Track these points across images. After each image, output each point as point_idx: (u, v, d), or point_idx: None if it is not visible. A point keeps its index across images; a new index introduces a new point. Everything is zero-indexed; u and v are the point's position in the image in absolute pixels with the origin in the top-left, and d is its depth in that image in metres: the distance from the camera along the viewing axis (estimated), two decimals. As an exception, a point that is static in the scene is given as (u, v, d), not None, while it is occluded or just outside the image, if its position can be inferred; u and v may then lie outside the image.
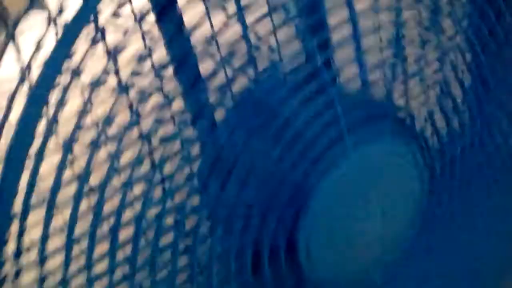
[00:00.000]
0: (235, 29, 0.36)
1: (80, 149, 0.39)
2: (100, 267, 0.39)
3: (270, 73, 0.39)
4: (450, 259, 0.60)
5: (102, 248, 0.39)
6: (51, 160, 0.35)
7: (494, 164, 0.57)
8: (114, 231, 0.36)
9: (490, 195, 0.58)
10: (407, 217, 0.51)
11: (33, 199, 0.33)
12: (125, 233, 0.40)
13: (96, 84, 0.33)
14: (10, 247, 0.34)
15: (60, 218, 0.39)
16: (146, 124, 0.40)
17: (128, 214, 0.37)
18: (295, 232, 0.44)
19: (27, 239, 0.34)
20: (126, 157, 0.36)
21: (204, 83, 0.36)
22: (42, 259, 0.35)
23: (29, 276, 0.37)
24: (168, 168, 0.37)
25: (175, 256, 0.40)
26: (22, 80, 0.32)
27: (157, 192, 0.38)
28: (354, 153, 0.44)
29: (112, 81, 0.34)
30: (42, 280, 0.36)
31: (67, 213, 0.37)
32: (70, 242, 0.35)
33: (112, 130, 0.34)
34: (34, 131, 0.31)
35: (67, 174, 0.34)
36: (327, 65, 0.42)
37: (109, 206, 0.37)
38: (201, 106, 0.36)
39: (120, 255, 0.38)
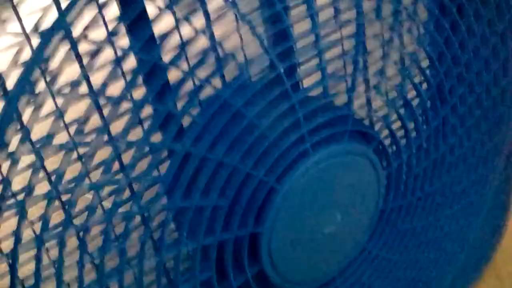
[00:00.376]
0: (203, 40, 0.37)
1: (52, 150, 0.40)
2: (69, 262, 0.40)
3: (236, 77, 0.41)
4: (409, 254, 0.62)
5: (72, 244, 0.40)
6: (23, 160, 0.36)
7: (447, 162, 0.59)
8: (84, 229, 0.37)
9: (444, 189, 0.61)
10: (366, 215, 0.53)
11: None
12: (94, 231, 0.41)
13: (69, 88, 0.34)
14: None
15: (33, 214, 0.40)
16: (116, 128, 0.41)
17: (98, 213, 0.38)
18: (257, 233, 0.46)
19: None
20: (97, 159, 0.37)
21: (172, 90, 0.38)
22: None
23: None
24: (136, 171, 0.38)
25: (141, 257, 0.42)
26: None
27: (126, 194, 0.40)
28: (314, 154, 0.46)
29: (83, 87, 0.35)
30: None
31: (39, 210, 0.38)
32: (41, 239, 0.36)
33: (84, 134, 0.35)
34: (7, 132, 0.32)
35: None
36: (292, 71, 0.44)
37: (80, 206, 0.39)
38: (169, 113, 0.38)
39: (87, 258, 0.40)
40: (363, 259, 0.58)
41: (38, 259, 0.38)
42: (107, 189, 0.41)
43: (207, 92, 0.40)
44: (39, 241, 0.37)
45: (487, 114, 0.62)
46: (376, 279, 0.60)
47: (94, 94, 0.35)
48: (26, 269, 0.40)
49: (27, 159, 0.37)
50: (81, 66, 0.35)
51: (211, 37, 0.37)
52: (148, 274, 0.45)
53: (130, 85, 0.35)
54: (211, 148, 0.41)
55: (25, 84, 0.33)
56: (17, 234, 0.36)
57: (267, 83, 0.42)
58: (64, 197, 0.38)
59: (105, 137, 0.36)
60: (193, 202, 0.42)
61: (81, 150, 0.37)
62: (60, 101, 0.35)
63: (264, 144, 0.43)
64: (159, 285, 0.44)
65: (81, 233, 0.38)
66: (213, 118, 0.40)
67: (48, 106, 0.37)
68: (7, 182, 0.33)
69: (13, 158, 0.33)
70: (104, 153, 0.38)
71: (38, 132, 0.37)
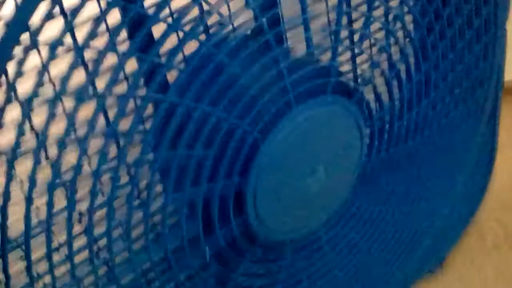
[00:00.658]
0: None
1: (38, 105, 0.41)
2: (58, 220, 0.41)
3: (219, 29, 0.41)
4: (391, 208, 0.63)
5: (59, 203, 0.41)
6: (10, 115, 0.37)
7: (430, 117, 0.60)
8: (71, 184, 0.38)
9: (427, 144, 0.62)
10: (349, 169, 0.54)
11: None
12: (82, 189, 0.42)
13: (53, 44, 0.34)
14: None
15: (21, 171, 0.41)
16: (101, 83, 0.41)
17: (85, 169, 0.39)
18: (242, 188, 0.47)
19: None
20: (83, 114, 0.38)
21: (157, 45, 0.38)
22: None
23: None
24: (122, 126, 0.39)
25: (129, 211, 0.42)
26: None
27: (112, 149, 0.40)
28: (297, 106, 0.47)
29: (68, 41, 0.35)
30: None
31: (25, 167, 0.39)
32: (30, 197, 0.37)
33: (69, 89, 0.36)
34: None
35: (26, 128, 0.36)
36: (275, 24, 0.44)
37: (67, 162, 0.39)
38: (154, 67, 0.38)
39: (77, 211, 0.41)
40: (345, 211, 0.59)
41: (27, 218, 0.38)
42: (93, 147, 0.41)
43: (191, 47, 0.41)
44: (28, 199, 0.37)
45: (469, 70, 0.62)
46: (359, 232, 0.61)
47: (79, 47, 0.35)
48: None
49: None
50: (65, 21, 0.35)
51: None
52: (136, 228, 0.46)
53: (114, 34, 0.36)
54: (195, 100, 0.41)
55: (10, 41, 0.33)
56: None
57: (250, 36, 0.42)
58: (51, 154, 0.39)
59: (90, 90, 0.37)
60: (178, 153, 0.42)
61: (67, 105, 0.37)
62: (44, 55, 0.35)
63: (247, 95, 0.44)
64: (147, 239, 0.45)
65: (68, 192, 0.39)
66: (197, 70, 0.41)
67: (32, 62, 0.37)
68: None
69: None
70: (89, 109, 0.38)
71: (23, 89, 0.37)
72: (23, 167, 0.39)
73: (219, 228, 0.48)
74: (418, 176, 0.64)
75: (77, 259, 0.43)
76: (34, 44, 0.33)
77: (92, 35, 0.35)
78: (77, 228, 0.42)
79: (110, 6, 0.35)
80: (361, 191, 0.59)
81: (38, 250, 0.41)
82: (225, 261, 0.52)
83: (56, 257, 0.42)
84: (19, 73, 0.33)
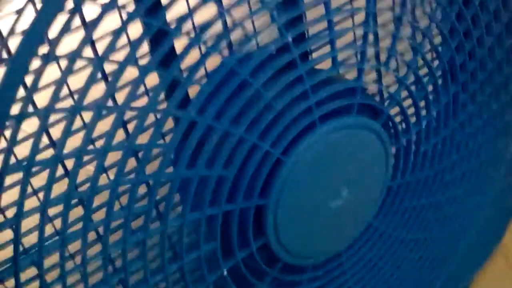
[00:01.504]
0: (211, 10, 0.37)
1: (56, 118, 0.40)
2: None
3: (243, 45, 0.40)
4: (416, 232, 0.62)
5: (75, 213, 0.40)
6: (29, 127, 0.36)
7: (457, 140, 0.59)
8: (89, 197, 0.37)
9: (453, 167, 0.60)
10: (373, 190, 0.53)
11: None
12: (98, 201, 0.41)
13: (73, 55, 0.33)
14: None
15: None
16: (121, 96, 0.41)
17: (102, 182, 0.38)
18: (263, 205, 0.46)
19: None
20: (101, 128, 0.37)
21: (178, 59, 0.37)
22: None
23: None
24: (141, 140, 0.38)
25: (146, 223, 0.41)
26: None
27: (131, 163, 0.39)
28: (321, 126, 0.45)
29: (88, 53, 0.35)
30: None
31: (41, 181, 0.38)
32: (45, 206, 0.36)
33: (88, 102, 0.35)
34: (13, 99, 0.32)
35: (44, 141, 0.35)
36: (301, 41, 0.43)
37: (84, 175, 0.39)
38: (175, 82, 0.37)
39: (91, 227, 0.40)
40: (369, 236, 0.57)
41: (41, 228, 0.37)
42: (111, 159, 0.41)
43: (214, 62, 0.40)
44: (42, 207, 0.36)
45: (498, 92, 0.61)
46: (382, 257, 0.60)
47: (99, 59, 0.34)
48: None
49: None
50: (86, 31, 0.34)
51: (219, 3, 0.37)
52: (153, 248, 0.45)
53: (135, 48, 0.35)
54: (216, 118, 0.40)
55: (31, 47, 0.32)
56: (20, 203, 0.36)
57: (275, 53, 0.41)
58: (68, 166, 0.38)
59: (110, 103, 0.36)
60: (197, 172, 0.41)
61: (85, 117, 0.36)
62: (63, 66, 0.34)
63: (270, 115, 0.42)
64: (163, 258, 0.44)
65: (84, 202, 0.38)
66: (219, 87, 0.40)
67: (51, 74, 0.37)
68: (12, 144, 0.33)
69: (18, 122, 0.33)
70: (108, 122, 0.38)
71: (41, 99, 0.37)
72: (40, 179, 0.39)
73: (238, 250, 0.47)
74: (445, 200, 0.62)
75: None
76: (52, 56, 0.32)
77: (112, 47, 0.34)
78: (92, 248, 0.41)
79: (131, 17, 0.34)
80: (385, 216, 0.57)
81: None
82: (243, 284, 0.50)
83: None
84: (35, 86, 0.33)
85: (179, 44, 0.38)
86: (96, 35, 0.35)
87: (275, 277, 0.51)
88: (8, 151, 0.33)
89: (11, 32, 0.32)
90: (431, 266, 0.67)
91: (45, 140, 0.39)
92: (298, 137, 0.45)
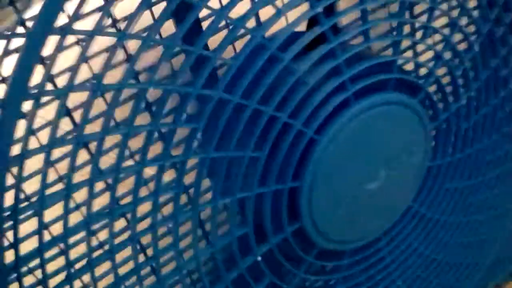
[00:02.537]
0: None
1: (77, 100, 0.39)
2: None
3: (272, 20, 0.38)
4: (457, 215, 0.59)
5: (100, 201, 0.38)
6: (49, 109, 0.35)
7: (498, 118, 0.56)
8: (113, 184, 0.35)
9: (495, 146, 0.58)
10: (412, 171, 0.51)
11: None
12: (124, 188, 0.39)
13: (92, 32, 0.32)
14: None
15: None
16: (144, 75, 0.39)
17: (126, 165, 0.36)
18: (297, 188, 0.44)
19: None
20: (125, 110, 0.35)
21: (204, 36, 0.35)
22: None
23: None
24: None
25: (176, 209, 0.40)
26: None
27: (157, 147, 0.38)
28: (356, 103, 0.43)
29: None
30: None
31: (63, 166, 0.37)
32: (68, 191, 0.34)
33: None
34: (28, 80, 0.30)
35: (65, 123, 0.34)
36: (332, 15, 0.41)
37: (109, 159, 0.37)
38: (201, 60, 0.36)
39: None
40: (409, 219, 0.55)
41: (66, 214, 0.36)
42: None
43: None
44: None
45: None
46: (423, 241, 0.57)
47: (119, 31, 0.33)
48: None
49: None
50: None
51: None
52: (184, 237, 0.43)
53: (158, 23, 0.33)
54: (246, 96, 0.39)
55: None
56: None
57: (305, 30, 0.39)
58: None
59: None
60: (227, 153, 0.39)
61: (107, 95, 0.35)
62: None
63: (302, 91, 0.40)
64: (195, 237, 0.42)
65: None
66: (248, 63, 0.38)
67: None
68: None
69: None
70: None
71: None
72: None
73: (273, 235, 0.45)
74: (487, 180, 0.60)
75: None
76: (69, 30, 0.30)
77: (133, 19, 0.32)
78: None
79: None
80: (425, 198, 0.55)
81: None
82: (278, 272, 0.49)
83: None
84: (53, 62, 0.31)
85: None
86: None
87: (312, 263, 0.49)
88: (27, 132, 0.32)
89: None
90: (474, 250, 0.64)
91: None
92: (332, 115, 0.43)
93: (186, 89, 0.36)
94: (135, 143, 0.38)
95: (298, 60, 0.40)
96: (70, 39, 0.35)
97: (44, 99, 0.33)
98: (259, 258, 0.45)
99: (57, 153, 0.35)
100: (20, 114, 0.31)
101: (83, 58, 0.32)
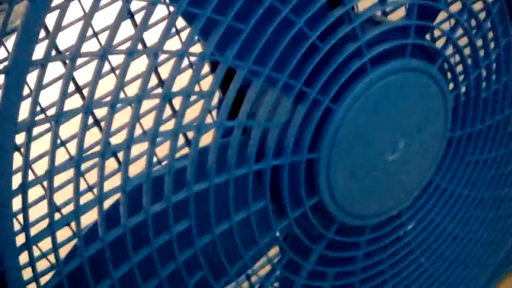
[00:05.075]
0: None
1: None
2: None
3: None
4: (480, 189, 0.58)
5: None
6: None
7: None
8: (127, 144, 0.34)
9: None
10: (432, 142, 0.49)
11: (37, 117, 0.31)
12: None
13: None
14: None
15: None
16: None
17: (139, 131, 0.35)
18: (314, 160, 0.43)
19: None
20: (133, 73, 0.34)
21: None
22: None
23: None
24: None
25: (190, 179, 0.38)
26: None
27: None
28: (373, 70, 0.42)
29: None
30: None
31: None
32: (78, 162, 0.33)
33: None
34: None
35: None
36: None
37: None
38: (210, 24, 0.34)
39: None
40: (431, 194, 0.53)
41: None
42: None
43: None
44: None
45: None
46: (445, 216, 0.56)
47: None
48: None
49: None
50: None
51: None
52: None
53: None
54: (258, 62, 0.37)
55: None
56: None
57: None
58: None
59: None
60: (240, 123, 0.38)
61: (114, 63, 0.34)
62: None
63: (316, 57, 0.39)
64: (211, 216, 0.41)
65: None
66: (258, 26, 0.36)
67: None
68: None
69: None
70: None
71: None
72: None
73: (291, 210, 0.44)
74: (510, 153, 0.58)
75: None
76: None
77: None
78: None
79: None
80: (447, 171, 0.53)
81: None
82: (297, 248, 0.47)
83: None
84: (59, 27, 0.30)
85: None
86: None
87: (331, 239, 0.48)
88: (34, 99, 0.31)
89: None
90: (498, 225, 0.62)
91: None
92: (348, 83, 0.41)
93: (195, 54, 0.35)
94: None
95: (312, 23, 0.38)
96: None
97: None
98: (278, 233, 0.44)
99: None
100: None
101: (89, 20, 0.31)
